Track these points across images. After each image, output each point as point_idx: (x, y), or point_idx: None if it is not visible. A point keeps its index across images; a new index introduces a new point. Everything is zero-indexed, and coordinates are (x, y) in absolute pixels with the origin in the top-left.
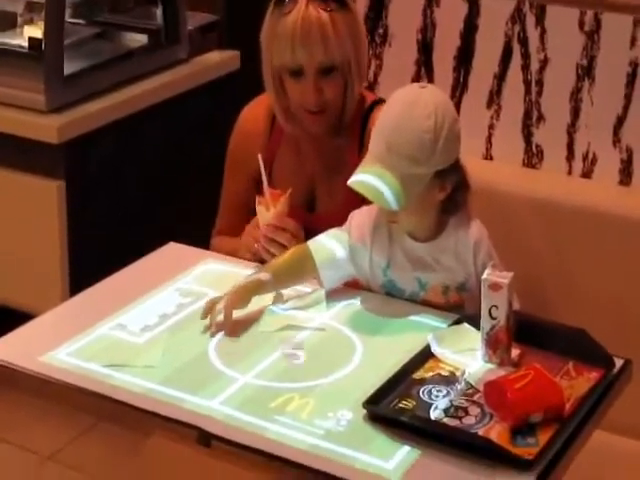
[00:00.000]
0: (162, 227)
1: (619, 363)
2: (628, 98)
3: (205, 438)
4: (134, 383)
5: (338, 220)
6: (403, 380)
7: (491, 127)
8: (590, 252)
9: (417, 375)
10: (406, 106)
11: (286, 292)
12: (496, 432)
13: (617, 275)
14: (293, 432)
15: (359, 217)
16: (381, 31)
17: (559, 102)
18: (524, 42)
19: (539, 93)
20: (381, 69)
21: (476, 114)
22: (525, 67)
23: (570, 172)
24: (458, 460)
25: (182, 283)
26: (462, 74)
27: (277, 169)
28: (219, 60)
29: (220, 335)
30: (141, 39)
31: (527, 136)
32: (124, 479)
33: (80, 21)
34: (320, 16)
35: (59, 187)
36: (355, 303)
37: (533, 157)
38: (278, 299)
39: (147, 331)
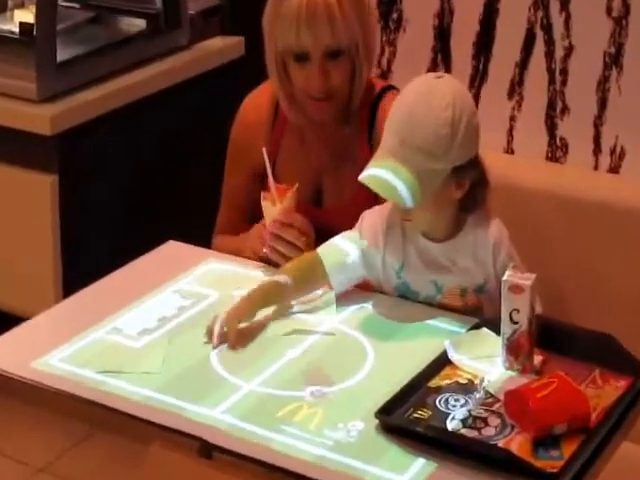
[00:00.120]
0: (161, 224)
1: None
2: None
3: (207, 449)
4: (131, 390)
5: (347, 215)
6: (418, 388)
7: (512, 119)
8: (618, 252)
9: (433, 383)
10: (421, 97)
11: None
12: (517, 444)
13: None
14: (300, 443)
15: (370, 217)
16: (395, 16)
17: (585, 92)
18: (548, 28)
19: (563, 82)
20: (395, 56)
21: (496, 105)
22: (549, 55)
23: (596, 167)
24: (476, 473)
25: (182, 284)
26: (481, 62)
27: (281, 161)
28: (222, 46)
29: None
30: (139, 24)
31: (551, 128)
32: None
33: (74, 5)
34: None
35: (52, 181)
36: (367, 306)
37: (557, 151)
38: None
39: (145, 335)
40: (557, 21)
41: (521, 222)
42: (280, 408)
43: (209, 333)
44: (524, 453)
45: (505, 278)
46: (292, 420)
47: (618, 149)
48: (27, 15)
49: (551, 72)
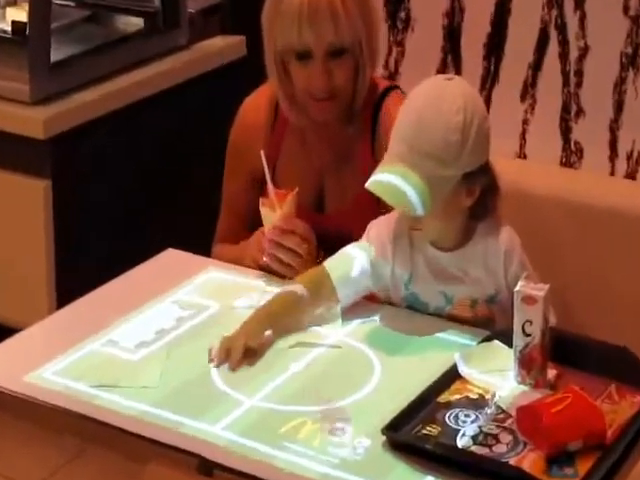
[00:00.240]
0: (160, 231)
1: None
2: None
3: (206, 467)
4: (128, 405)
5: (349, 220)
6: (427, 404)
7: (525, 122)
8: (635, 262)
9: (442, 398)
10: (431, 101)
11: None
12: (530, 461)
13: None
14: (304, 461)
15: (377, 228)
16: (403, 15)
17: (601, 94)
18: (562, 28)
19: (578, 84)
20: (403, 57)
21: (508, 108)
22: (563, 56)
23: (613, 173)
24: None
25: (181, 294)
26: (493, 63)
27: (282, 165)
28: (223, 46)
29: None
30: (136, 23)
31: (565, 132)
32: None
33: (69, 3)
34: None
35: (45, 186)
36: (374, 318)
37: (571, 156)
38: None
39: (142, 348)
40: (572, 20)
41: (533, 230)
42: (283, 424)
43: (215, 355)
44: (537, 471)
45: (517, 289)
46: (296, 436)
47: (635, 154)
48: (20, 13)
49: (565, 74)
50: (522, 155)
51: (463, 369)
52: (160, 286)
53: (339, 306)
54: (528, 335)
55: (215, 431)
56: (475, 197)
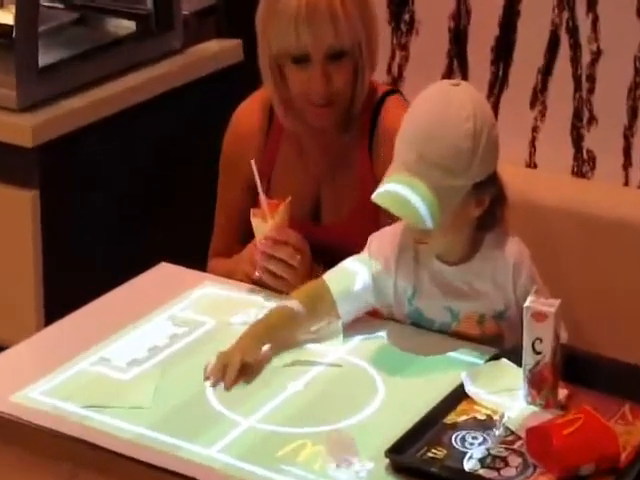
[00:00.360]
0: (154, 243)
1: None
2: None
3: None
4: (120, 427)
5: (347, 231)
6: (432, 425)
7: (535, 130)
8: None
9: (448, 419)
10: (439, 107)
11: None
12: None
13: None
14: None
15: (379, 240)
16: (407, 17)
17: (614, 100)
18: (573, 31)
19: (591, 90)
20: (407, 61)
21: (517, 115)
22: (575, 60)
23: (627, 182)
24: None
25: (176, 310)
26: (501, 68)
27: (277, 174)
28: (218, 50)
29: None
30: (128, 26)
31: (577, 140)
32: None
33: (57, 5)
34: None
35: (32, 197)
36: (376, 335)
37: (583, 165)
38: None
39: (135, 366)
40: (584, 23)
41: (542, 242)
42: (282, 446)
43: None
44: None
45: (527, 304)
46: (295, 459)
47: None
48: (6, 16)
49: (577, 79)
50: (532, 164)
51: (470, 389)
52: (154, 301)
53: (340, 322)
54: (538, 353)
55: (211, 454)
56: (484, 207)
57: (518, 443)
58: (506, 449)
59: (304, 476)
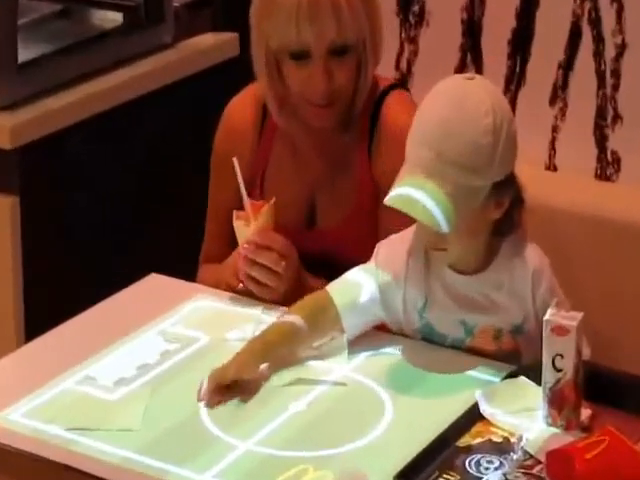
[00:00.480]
0: (145, 251)
1: None
2: None
3: None
4: (107, 451)
5: (342, 237)
6: (444, 448)
7: (555, 129)
8: None
9: (462, 442)
10: (456, 102)
11: None
12: None
13: None
14: None
15: (387, 248)
16: (416, 8)
17: None
18: (596, 22)
19: (615, 87)
20: (416, 56)
21: (536, 113)
22: (598, 54)
23: None
24: None
25: (166, 325)
26: (518, 63)
27: (271, 174)
28: (212, 44)
29: None
30: (115, 18)
31: (600, 141)
32: None
33: None
34: None
35: (12, 203)
36: (384, 351)
37: (607, 167)
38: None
39: (123, 385)
40: (608, 14)
41: (561, 251)
42: (282, 471)
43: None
44: None
45: (547, 317)
46: None
47: None
48: None
49: (600, 74)
50: (551, 166)
51: (485, 409)
52: (143, 316)
53: (344, 337)
54: (559, 370)
55: (205, 479)
56: (503, 210)
57: (537, 468)
58: (524, 474)
59: None
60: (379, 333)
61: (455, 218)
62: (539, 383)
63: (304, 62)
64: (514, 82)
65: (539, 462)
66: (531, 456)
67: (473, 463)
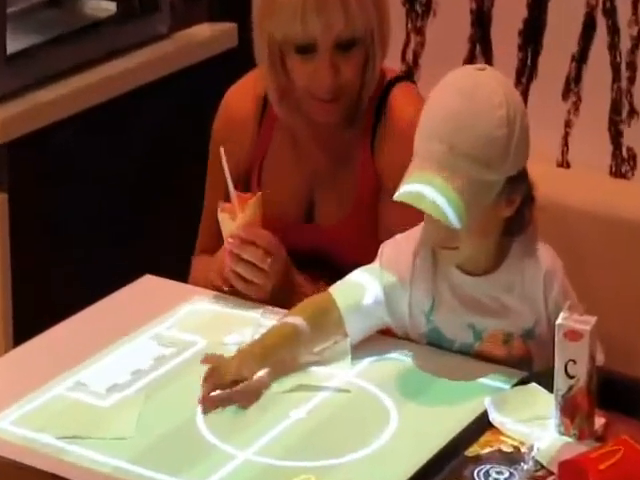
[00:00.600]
0: (136, 254)
1: None
2: None
3: None
4: (99, 460)
5: (342, 233)
6: (452, 458)
7: (568, 124)
8: None
9: (471, 451)
10: (467, 93)
11: None
12: None
13: None
14: None
15: (392, 248)
16: None
17: None
18: (611, 13)
19: (631, 80)
20: (423, 47)
21: (548, 107)
22: (612, 46)
23: None
24: None
25: (161, 328)
26: (530, 55)
27: (269, 166)
28: (209, 35)
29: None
30: (108, 7)
31: (615, 136)
32: None
33: None
34: None
35: (1, 200)
36: (389, 356)
37: (623, 164)
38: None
39: (116, 392)
40: (623, 4)
41: (575, 251)
42: None
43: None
44: None
45: (559, 322)
46: None
47: None
48: None
49: (615, 67)
50: (564, 163)
51: (495, 417)
52: (137, 318)
53: (348, 341)
54: (572, 377)
55: None
56: (515, 207)
57: (549, 479)
58: None
59: None
60: (384, 337)
61: (467, 214)
62: (551, 390)
63: (310, 56)
64: (525, 75)
65: (551, 473)
66: (542, 467)
67: (482, 474)
